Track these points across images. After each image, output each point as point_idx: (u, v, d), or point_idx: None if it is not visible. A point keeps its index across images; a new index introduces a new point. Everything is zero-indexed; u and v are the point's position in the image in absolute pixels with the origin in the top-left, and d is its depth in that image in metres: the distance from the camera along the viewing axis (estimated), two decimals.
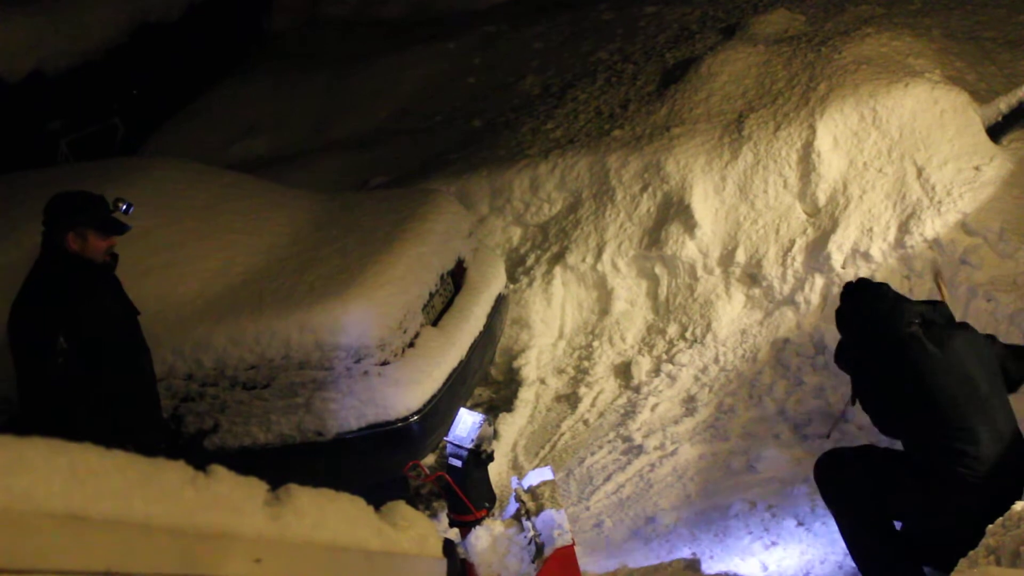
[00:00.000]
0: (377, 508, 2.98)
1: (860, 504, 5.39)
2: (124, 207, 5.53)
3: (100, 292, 5.48)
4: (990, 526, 3.96)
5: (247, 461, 6.16)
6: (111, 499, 1.71)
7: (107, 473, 1.73)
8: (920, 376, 5.14)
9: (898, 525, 5.51)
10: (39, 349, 5.25)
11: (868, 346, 5.38)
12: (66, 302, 5.31)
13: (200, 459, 2.18)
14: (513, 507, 5.65)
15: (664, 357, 7.99)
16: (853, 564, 5.62)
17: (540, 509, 5.41)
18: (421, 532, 3.10)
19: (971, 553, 3.89)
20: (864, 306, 5.41)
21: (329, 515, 2.49)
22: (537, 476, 5.75)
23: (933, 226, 7.59)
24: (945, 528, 5.32)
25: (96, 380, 5.33)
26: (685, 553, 6.35)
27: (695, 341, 7.98)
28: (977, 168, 7.73)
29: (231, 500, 2.08)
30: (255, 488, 2.23)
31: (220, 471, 2.10)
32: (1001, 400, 5.28)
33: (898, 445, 5.54)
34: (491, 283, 7.68)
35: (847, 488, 5.42)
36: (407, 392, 6.47)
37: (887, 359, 5.26)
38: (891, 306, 5.34)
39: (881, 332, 5.28)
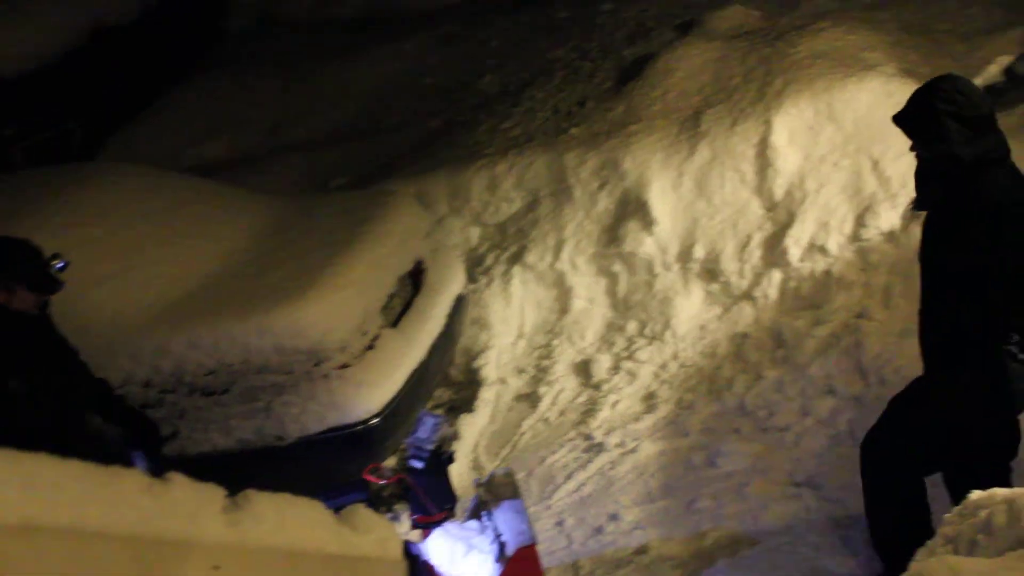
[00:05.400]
0: (337, 512, 2.98)
1: (911, 471, 5.20)
2: (60, 264, 5.36)
3: (28, 347, 5.26)
4: (946, 515, 3.97)
5: (207, 467, 6.14)
6: (66, 508, 1.70)
7: (62, 482, 1.73)
8: None
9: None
10: None
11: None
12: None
13: (160, 466, 2.17)
14: (474, 508, 5.65)
15: (624, 354, 8.00)
16: (809, 559, 5.67)
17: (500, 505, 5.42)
18: (381, 535, 3.11)
19: (929, 543, 3.91)
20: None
21: (288, 520, 2.49)
22: (498, 476, 5.76)
23: (889, 219, 7.64)
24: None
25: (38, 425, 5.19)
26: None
27: (654, 338, 7.99)
28: None
29: (188, 507, 2.08)
30: (213, 494, 2.23)
31: (177, 478, 2.10)
32: None
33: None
34: (450, 284, 7.68)
35: (903, 453, 5.15)
36: (367, 394, 6.47)
37: None
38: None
39: None
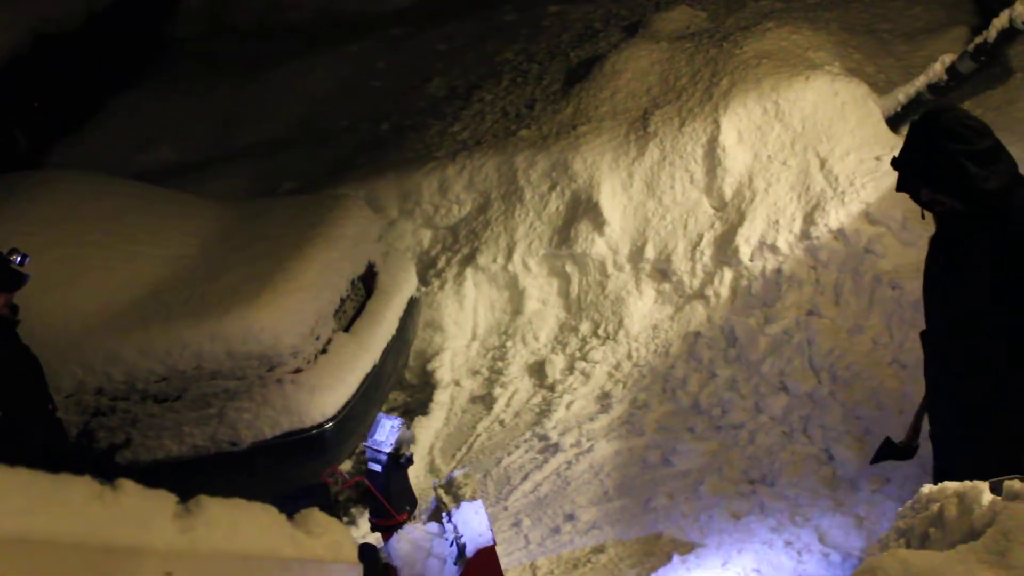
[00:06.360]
0: (291, 516, 2.96)
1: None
2: (18, 259, 5.28)
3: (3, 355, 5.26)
4: (899, 509, 4.00)
5: (161, 474, 6.10)
6: (14, 517, 1.68)
7: (9, 491, 1.71)
8: None
9: None
10: None
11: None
12: None
13: (113, 474, 2.15)
14: (434, 510, 5.65)
15: (577, 355, 8.02)
16: (763, 556, 5.70)
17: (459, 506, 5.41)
18: (335, 538, 3.10)
19: (882, 536, 3.95)
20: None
21: (241, 525, 2.47)
22: (457, 477, 5.75)
23: (837, 216, 7.68)
24: None
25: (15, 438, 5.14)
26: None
27: (607, 338, 8.01)
28: (878, 158, 7.83)
29: (139, 514, 2.06)
30: (164, 501, 2.21)
31: (128, 485, 2.08)
32: None
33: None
34: (402, 287, 7.67)
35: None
36: (321, 399, 6.45)
37: None
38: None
39: None
